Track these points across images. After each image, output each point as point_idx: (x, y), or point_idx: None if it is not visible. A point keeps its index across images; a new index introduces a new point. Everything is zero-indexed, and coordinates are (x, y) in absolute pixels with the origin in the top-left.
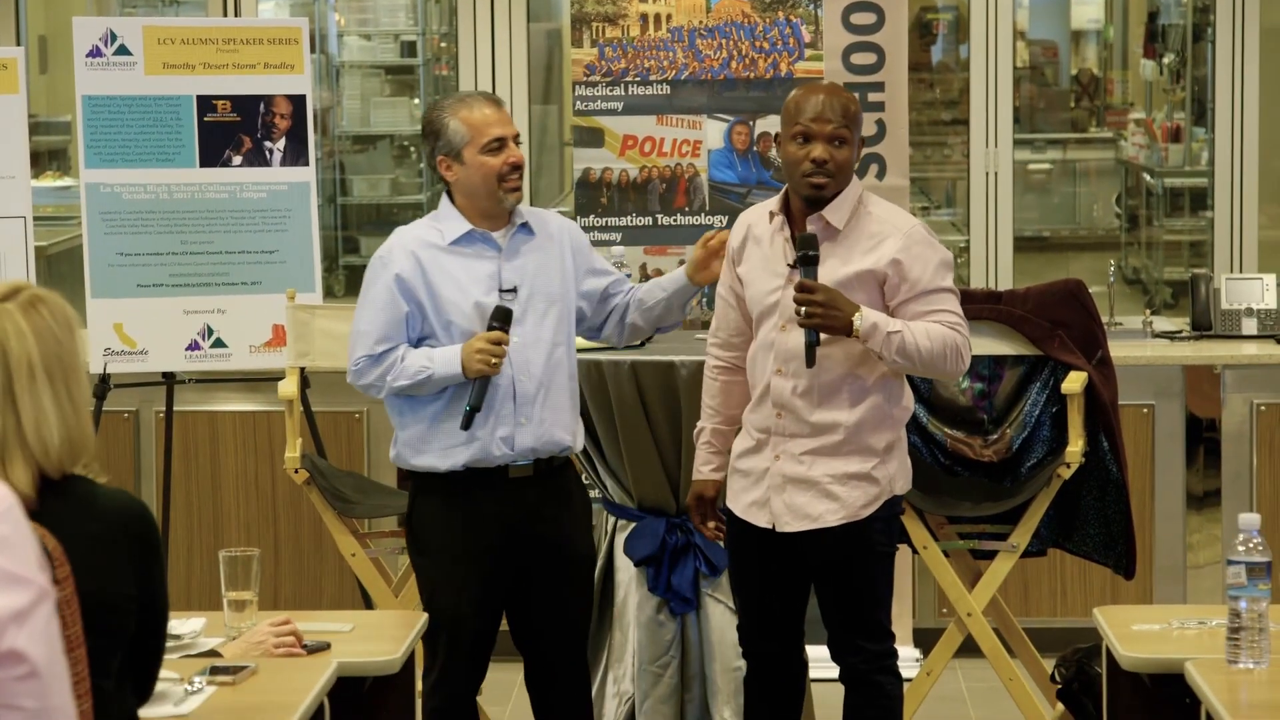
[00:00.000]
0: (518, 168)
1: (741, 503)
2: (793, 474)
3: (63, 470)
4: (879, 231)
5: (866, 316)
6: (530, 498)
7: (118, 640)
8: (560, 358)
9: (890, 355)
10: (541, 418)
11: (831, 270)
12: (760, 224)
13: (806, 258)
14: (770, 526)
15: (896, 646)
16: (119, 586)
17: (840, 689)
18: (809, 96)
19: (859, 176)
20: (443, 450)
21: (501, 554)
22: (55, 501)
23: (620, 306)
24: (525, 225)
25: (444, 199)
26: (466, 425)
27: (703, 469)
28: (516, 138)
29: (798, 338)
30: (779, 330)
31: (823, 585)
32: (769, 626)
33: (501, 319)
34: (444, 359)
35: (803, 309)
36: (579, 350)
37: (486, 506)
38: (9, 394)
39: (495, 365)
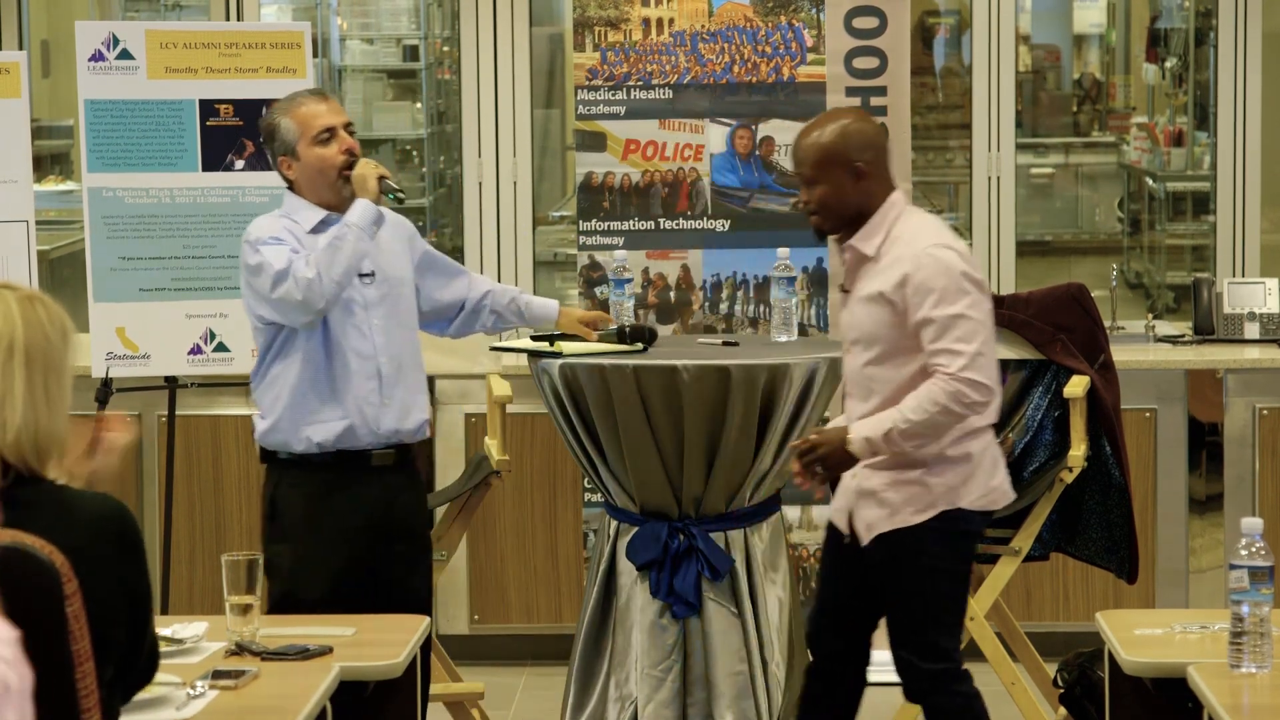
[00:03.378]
0: (354, 154)
1: (833, 506)
2: (864, 488)
3: (23, 460)
4: (898, 255)
5: (855, 434)
6: (391, 484)
7: (110, 651)
8: (414, 340)
9: (902, 446)
10: (402, 398)
11: (856, 293)
12: None
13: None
14: (849, 534)
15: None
16: (107, 597)
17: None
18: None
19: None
20: (315, 426)
21: (363, 539)
22: (34, 512)
23: (474, 309)
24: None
25: (287, 195)
26: (402, 201)
27: None
28: (348, 126)
29: (854, 360)
30: (845, 353)
31: (880, 594)
32: (839, 623)
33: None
34: (349, 213)
35: (812, 470)
36: (581, 355)
37: (351, 492)
38: None
39: (384, 173)
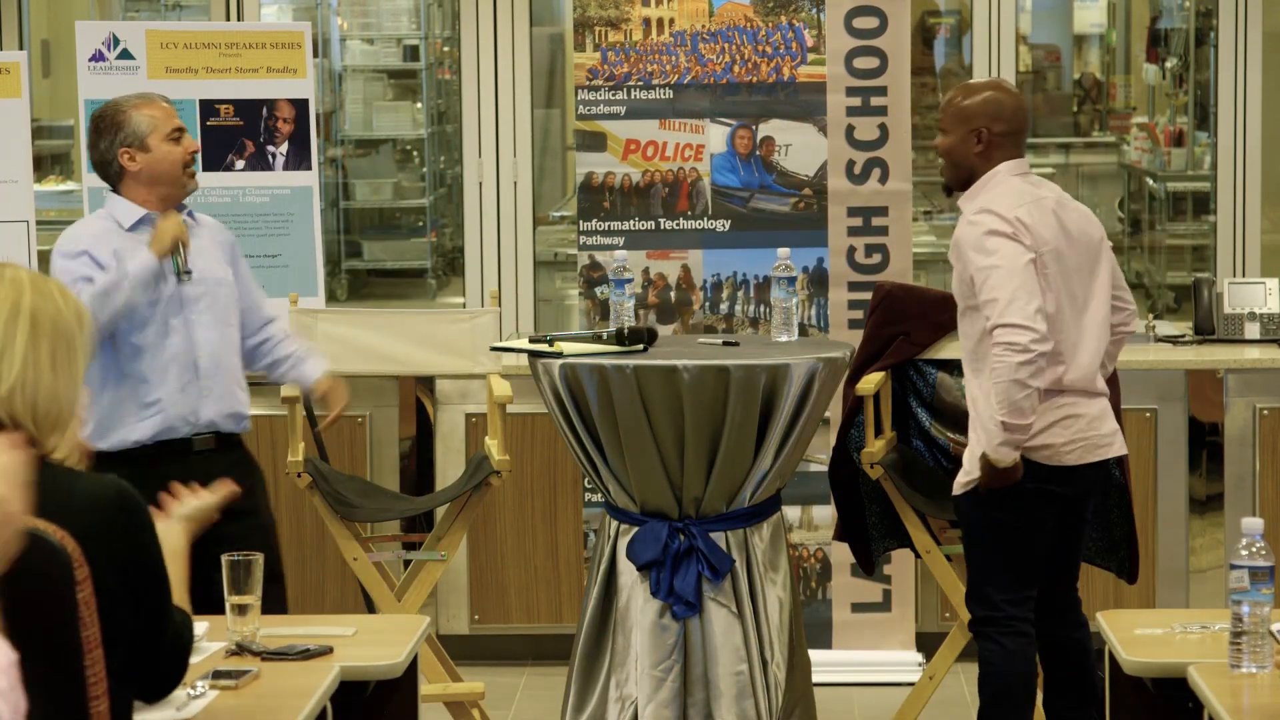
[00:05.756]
0: (196, 155)
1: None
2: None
3: (15, 420)
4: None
5: (990, 454)
6: (216, 469)
7: (117, 639)
8: (232, 337)
9: (1020, 424)
10: (221, 391)
11: None
12: None
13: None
14: None
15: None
16: (112, 584)
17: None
18: None
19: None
20: (133, 424)
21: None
22: (35, 494)
23: (258, 350)
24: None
25: (111, 195)
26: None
27: None
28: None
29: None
30: None
31: None
32: None
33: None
34: (132, 260)
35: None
36: (581, 355)
37: (171, 476)
38: None
39: (182, 229)
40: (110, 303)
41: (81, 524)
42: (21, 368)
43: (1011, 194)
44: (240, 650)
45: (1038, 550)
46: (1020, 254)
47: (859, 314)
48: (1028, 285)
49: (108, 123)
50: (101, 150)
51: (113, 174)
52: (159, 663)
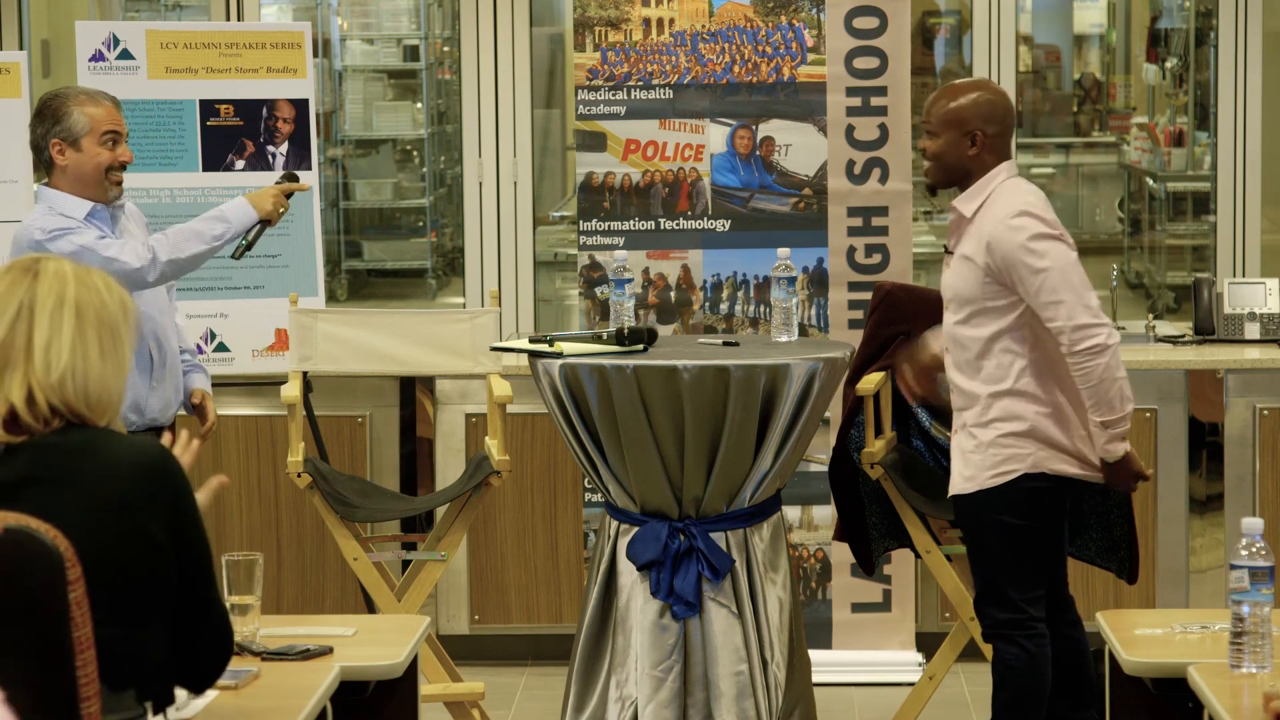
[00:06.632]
0: (125, 165)
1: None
2: (956, 444)
3: (70, 406)
4: (987, 219)
5: (1102, 453)
6: None
7: (143, 611)
8: (171, 328)
9: (1116, 420)
10: (165, 382)
11: (956, 253)
12: None
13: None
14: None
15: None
16: (146, 551)
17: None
18: None
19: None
20: None
21: None
22: (75, 458)
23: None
24: (122, 207)
25: (45, 189)
26: (240, 255)
27: None
28: (126, 138)
29: (948, 320)
30: (945, 311)
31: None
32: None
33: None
34: (233, 208)
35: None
36: (581, 355)
37: None
38: (30, 312)
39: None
40: (192, 247)
41: (126, 480)
42: (70, 356)
43: (1031, 195)
44: (240, 650)
45: (1052, 550)
46: (1068, 253)
47: (859, 314)
48: (1085, 282)
49: (49, 111)
50: (38, 135)
51: (43, 161)
52: (201, 638)
